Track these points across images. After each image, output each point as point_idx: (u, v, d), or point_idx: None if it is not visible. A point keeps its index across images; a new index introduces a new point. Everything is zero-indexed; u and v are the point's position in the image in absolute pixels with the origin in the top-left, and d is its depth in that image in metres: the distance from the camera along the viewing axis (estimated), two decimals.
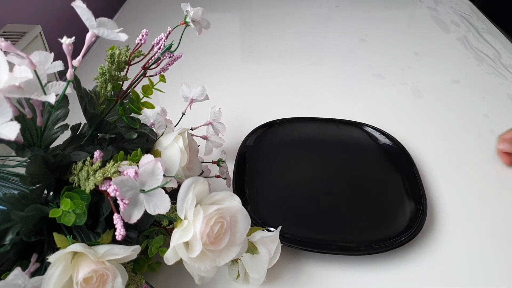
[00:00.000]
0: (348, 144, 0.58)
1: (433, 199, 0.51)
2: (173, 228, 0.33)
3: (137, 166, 0.31)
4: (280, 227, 0.40)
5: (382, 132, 0.58)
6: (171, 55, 0.39)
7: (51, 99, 0.27)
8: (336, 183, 0.52)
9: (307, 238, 0.44)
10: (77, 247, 0.30)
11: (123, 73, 0.39)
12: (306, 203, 0.49)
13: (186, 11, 0.40)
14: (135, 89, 0.40)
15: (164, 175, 0.31)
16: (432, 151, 0.58)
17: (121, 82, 0.39)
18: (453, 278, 0.43)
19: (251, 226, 0.36)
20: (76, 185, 0.33)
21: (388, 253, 0.44)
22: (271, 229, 0.44)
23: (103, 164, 0.32)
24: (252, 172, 0.52)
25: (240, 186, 0.50)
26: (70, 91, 0.30)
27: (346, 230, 0.46)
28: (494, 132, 0.62)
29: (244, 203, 0.47)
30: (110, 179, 0.31)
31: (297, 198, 0.49)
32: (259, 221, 0.45)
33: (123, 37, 0.31)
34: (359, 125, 0.60)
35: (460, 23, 0.96)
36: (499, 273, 0.43)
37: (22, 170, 0.32)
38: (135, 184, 0.30)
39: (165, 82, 0.41)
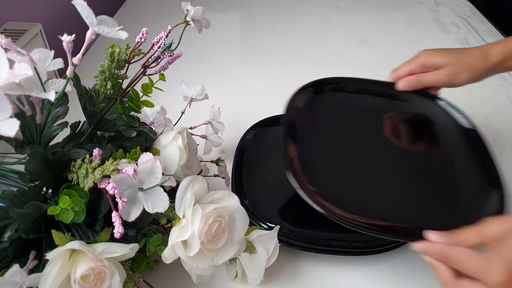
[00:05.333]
0: None
1: None
2: (171, 227, 0.34)
3: (136, 164, 0.31)
4: (278, 227, 0.40)
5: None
6: (171, 53, 0.39)
7: (51, 96, 0.27)
8: None
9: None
10: (75, 244, 0.30)
11: (123, 72, 0.39)
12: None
13: (187, 10, 0.41)
14: (134, 87, 0.40)
15: (162, 174, 0.31)
16: None
17: (120, 81, 0.39)
18: None
19: (249, 225, 0.36)
20: (75, 182, 0.33)
21: (385, 253, 0.44)
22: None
23: (102, 162, 0.32)
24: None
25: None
26: (69, 88, 0.30)
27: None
28: (494, 134, 0.63)
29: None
30: (109, 177, 0.31)
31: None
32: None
33: (123, 35, 0.31)
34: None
35: (460, 24, 0.96)
36: None
37: (21, 168, 0.32)
38: (133, 182, 0.30)
39: (164, 80, 0.41)
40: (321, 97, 0.50)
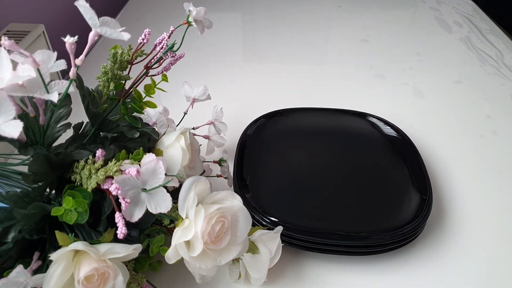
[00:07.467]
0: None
1: (437, 193, 0.51)
2: (174, 227, 0.34)
3: (139, 165, 0.31)
4: (281, 228, 0.40)
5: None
6: (174, 54, 0.39)
7: (54, 97, 0.28)
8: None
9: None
10: (79, 245, 0.30)
11: (125, 72, 0.39)
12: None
13: (189, 10, 0.41)
14: (137, 88, 0.40)
15: (165, 174, 0.31)
16: (433, 152, 0.58)
17: (123, 81, 0.39)
18: (461, 272, 0.43)
19: (252, 225, 0.36)
20: (78, 183, 0.33)
21: (386, 253, 0.44)
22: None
23: (105, 163, 0.32)
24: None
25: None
26: (72, 90, 0.30)
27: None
28: (496, 133, 0.62)
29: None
30: (112, 177, 0.31)
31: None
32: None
33: (126, 36, 0.31)
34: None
35: (463, 23, 0.95)
36: (507, 268, 0.43)
37: (24, 169, 0.32)
38: (136, 183, 0.30)
39: (167, 81, 0.41)
40: (268, 125, 0.58)
